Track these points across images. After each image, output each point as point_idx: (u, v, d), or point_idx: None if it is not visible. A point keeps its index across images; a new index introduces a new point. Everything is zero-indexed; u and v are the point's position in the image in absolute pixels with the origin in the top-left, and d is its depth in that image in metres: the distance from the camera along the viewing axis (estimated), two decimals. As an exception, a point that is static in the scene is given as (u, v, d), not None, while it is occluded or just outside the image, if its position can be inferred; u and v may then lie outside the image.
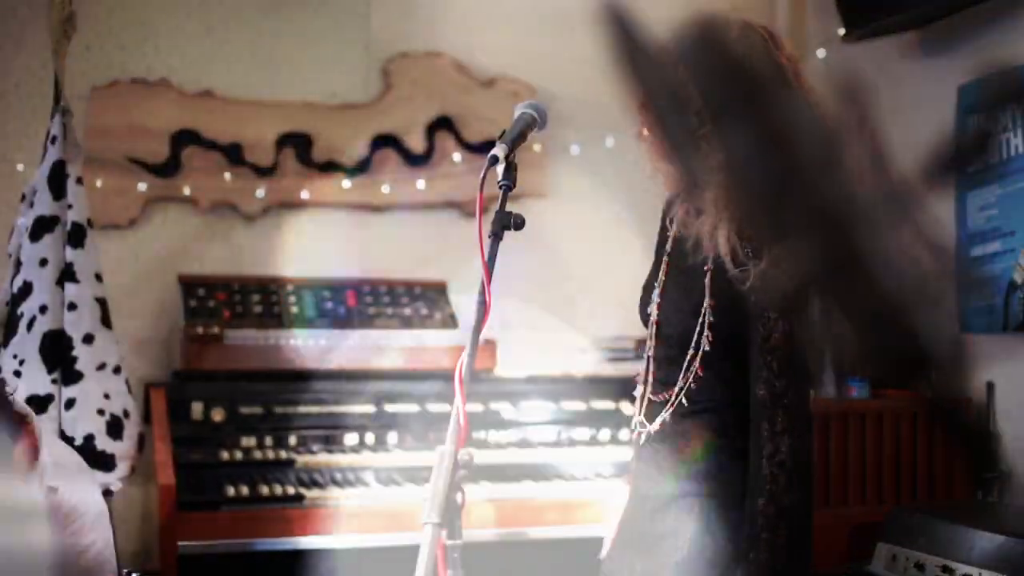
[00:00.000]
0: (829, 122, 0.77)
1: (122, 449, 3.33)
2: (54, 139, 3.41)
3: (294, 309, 3.84)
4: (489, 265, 2.05)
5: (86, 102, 3.91)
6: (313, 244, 4.18)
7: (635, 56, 0.80)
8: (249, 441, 3.52)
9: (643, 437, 2.19)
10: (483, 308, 2.00)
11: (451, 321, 3.97)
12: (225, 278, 3.92)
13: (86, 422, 3.27)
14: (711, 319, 2.10)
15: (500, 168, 2.11)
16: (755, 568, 2.02)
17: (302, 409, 3.63)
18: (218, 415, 3.54)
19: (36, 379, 3.21)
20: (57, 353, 3.28)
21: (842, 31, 3.99)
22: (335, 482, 3.46)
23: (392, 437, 3.67)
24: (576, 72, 4.31)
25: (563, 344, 4.18)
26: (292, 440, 3.58)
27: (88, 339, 3.32)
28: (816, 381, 3.73)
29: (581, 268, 4.33)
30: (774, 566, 2.04)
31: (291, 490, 3.32)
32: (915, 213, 0.76)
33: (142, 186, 3.96)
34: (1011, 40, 3.62)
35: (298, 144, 4.16)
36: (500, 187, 2.10)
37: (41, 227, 3.36)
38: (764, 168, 0.73)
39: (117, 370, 3.39)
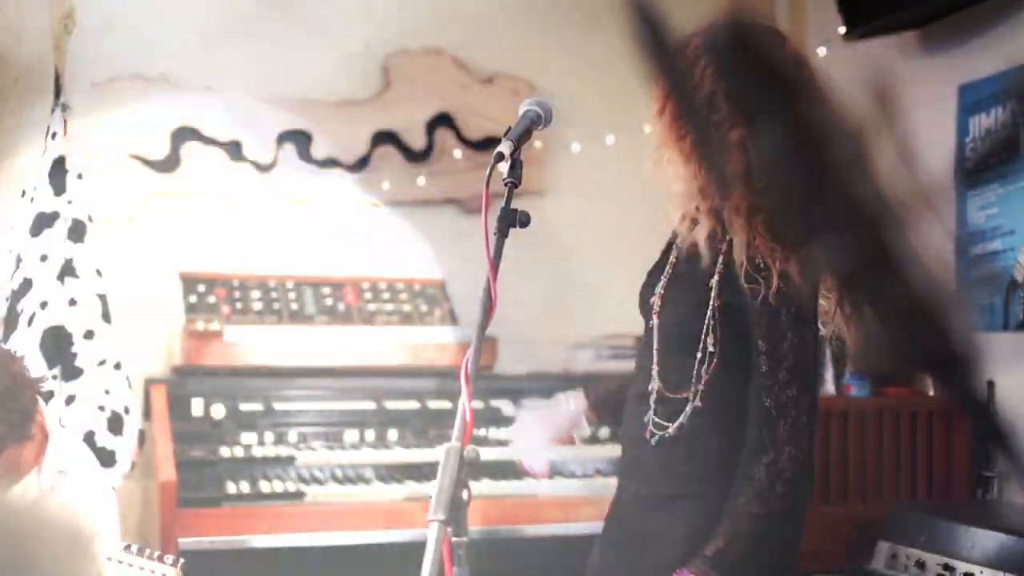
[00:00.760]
0: (854, 120, 0.77)
1: (122, 445, 3.33)
2: (54, 135, 3.41)
3: (294, 306, 3.84)
4: (495, 262, 2.06)
5: (86, 98, 3.89)
6: (313, 241, 4.17)
7: (662, 56, 0.80)
8: (249, 438, 3.52)
9: (655, 438, 2.18)
10: (488, 305, 2.00)
11: (451, 318, 3.97)
12: (225, 275, 3.91)
13: (86, 418, 3.27)
14: (716, 324, 2.11)
15: (505, 165, 2.12)
16: (731, 560, 2.02)
17: (302, 406, 3.63)
18: (218, 411, 3.53)
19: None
20: (57, 349, 3.28)
21: (843, 30, 3.99)
22: (336, 479, 3.46)
23: (392, 434, 3.67)
24: (576, 69, 4.33)
25: (563, 341, 4.18)
26: (292, 437, 3.57)
27: (89, 335, 3.32)
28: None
29: (581, 265, 4.33)
30: (758, 563, 2.05)
31: (292, 487, 3.32)
32: (941, 212, 0.76)
33: (142, 182, 3.95)
34: (1012, 39, 3.62)
35: (298, 141, 4.16)
36: (505, 184, 2.10)
37: (41, 223, 3.35)
38: (796, 168, 0.73)
39: (118, 366, 3.39)
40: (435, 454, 3.59)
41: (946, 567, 3.02)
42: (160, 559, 2.03)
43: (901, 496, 3.63)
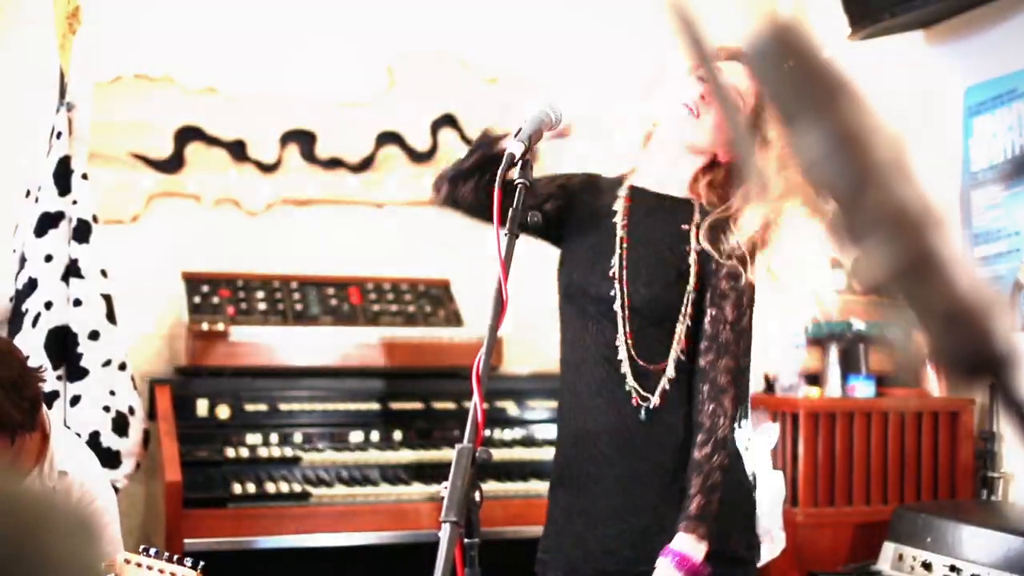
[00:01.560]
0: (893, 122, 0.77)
1: (127, 446, 3.32)
2: (59, 134, 3.40)
3: (298, 306, 3.83)
4: (506, 263, 2.05)
5: (90, 97, 3.88)
6: (317, 241, 4.17)
7: (705, 57, 0.80)
8: (255, 438, 3.51)
9: (644, 412, 2.23)
10: (500, 306, 2.00)
11: (455, 318, 3.97)
12: (229, 275, 3.91)
13: (92, 419, 3.26)
14: (692, 300, 2.23)
15: (516, 166, 2.12)
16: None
17: (307, 406, 3.63)
18: (223, 412, 3.53)
19: (42, 376, 3.19)
20: (62, 349, 3.27)
21: (848, 30, 3.99)
22: (341, 480, 3.45)
23: (397, 435, 3.66)
24: (580, 69, 4.32)
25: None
26: (298, 437, 3.57)
27: (94, 335, 3.31)
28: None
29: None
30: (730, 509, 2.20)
31: (297, 488, 3.32)
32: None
33: (146, 182, 3.95)
34: (1019, 40, 3.62)
35: (302, 141, 4.15)
36: (516, 185, 2.10)
37: (46, 223, 3.35)
38: (841, 170, 0.73)
39: (123, 367, 3.38)
40: (440, 455, 3.61)
41: (952, 568, 3.02)
42: (180, 562, 2.03)
43: (905, 497, 3.63)
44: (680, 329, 2.24)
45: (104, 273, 3.40)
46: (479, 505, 1.87)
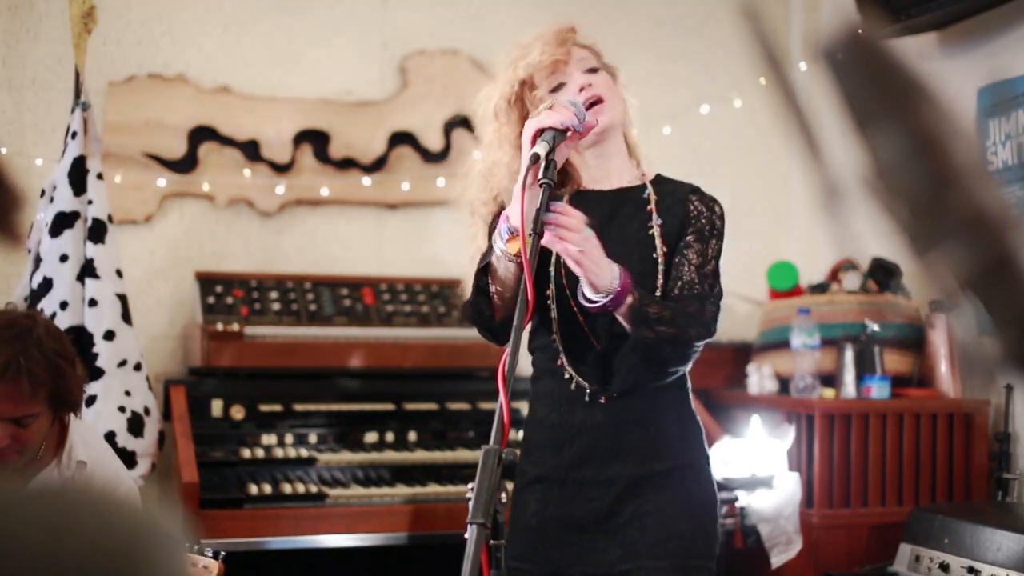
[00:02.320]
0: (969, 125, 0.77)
1: (143, 446, 3.32)
2: (74, 134, 3.39)
3: (312, 306, 3.83)
4: (532, 263, 2.05)
5: (103, 97, 3.88)
6: (331, 241, 4.17)
7: (775, 61, 0.80)
8: (270, 439, 3.51)
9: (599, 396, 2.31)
10: (525, 306, 2.00)
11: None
12: (242, 275, 3.90)
13: (107, 419, 3.26)
14: (663, 268, 2.29)
15: (540, 166, 2.11)
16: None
17: (322, 407, 3.62)
18: (238, 412, 3.52)
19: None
20: (78, 350, 3.25)
21: (860, 32, 3.99)
22: (356, 480, 3.45)
23: (412, 435, 3.66)
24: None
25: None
26: (312, 438, 3.56)
27: (109, 336, 3.31)
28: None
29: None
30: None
31: (313, 488, 3.31)
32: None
33: (160, 182, 3.94)
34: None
35: (315, 141, 4.14)
36: (540, 185, 2.10)
37: (61, 223, 3.34)
38: (919, 173, 0.72)
39: (138, 367, 3.38)
40: (455, 455, 3.60)
41: (971, 570, 3.02)
42: (201, 552, 2.03)
43: (920, 498, 3.63)
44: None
45: (119, 273, 3.39)
46: (505, 506, 1.87)
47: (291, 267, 4.05)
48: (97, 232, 3.37)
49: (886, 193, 0.73)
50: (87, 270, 3.34)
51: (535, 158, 2.12)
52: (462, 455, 3.60)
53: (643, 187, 2.38)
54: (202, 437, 3.40)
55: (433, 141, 4.25)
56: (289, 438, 3.53)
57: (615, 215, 2.35)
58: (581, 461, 2.31)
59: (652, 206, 2.34)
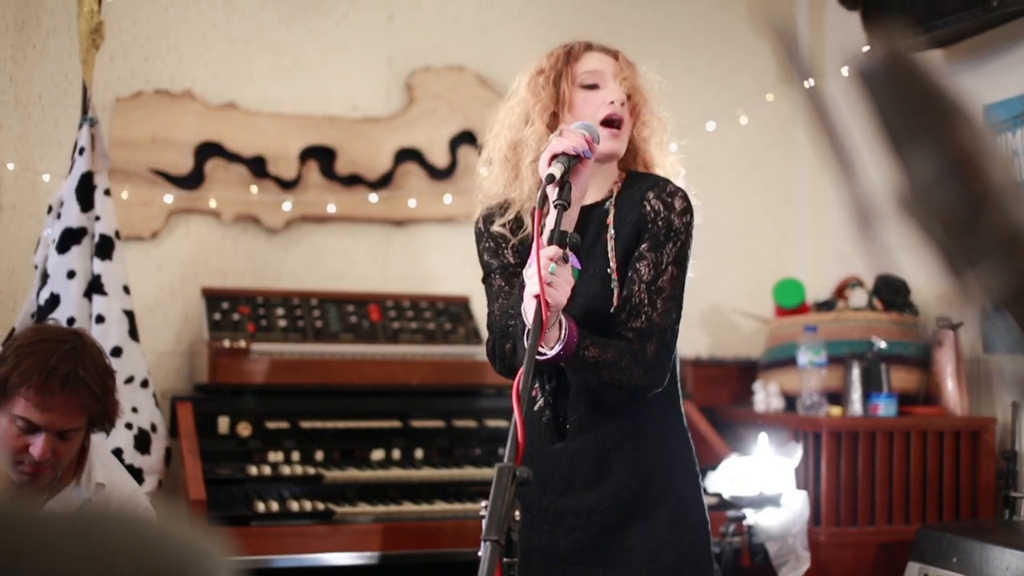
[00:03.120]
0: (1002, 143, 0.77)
1: (150, 463, 3.31)
2: (82, 150, 3.40)
3: (318, 323, 3.82)
4: (547, 283, 2.04)
5: (110, 113, 3.89)
6: (337, 257, 4.16)
7: (805, 73, 0.80)
8: (276, 456, 3.49)
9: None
10: (539, 326, 1.99)
11: (475, 336, 3.95)
12: (249, 291, 3.90)
13: (114, 436, 3.23)
14: (617, 284, 2.24)
15: (554, 187, 2.11)
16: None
17: (328, 424, 3.61)
18: (245, 429, 3.51)
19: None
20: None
21: (866, 48, 4.00)
22: (363, 498, 3.43)
23: (419, 452, 3.65)
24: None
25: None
26: (319, 455, 3.55)
27: (116, 352, 3.30)
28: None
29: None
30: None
31: (320, 506, 3.30)
32: None
33: (166, 198, 3.94)
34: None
35: (321, 157, 4.14)
36: (555, 206, 2.10)
37: (69, 239, 3.34)
38: (955, 193, 0.72)
39: (145, 383, 3.37)
40: (462, 473, 3.59)
41: (980, 588, 3.01)
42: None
43: (927, 517, 3.62)
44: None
45: (127, 289, 3.39)
46: (519, 524, 1.86)
47: (297, 284, 4.05)
48: (104, 248, 3.37)
49: (922, 213, 0.73)
50: (94, 286, 3.34)
51: (551, 178, 2.12)
52: (469, 472, 3.58)
53: (607, 199, 2.33)
54: (209, 454, 3.39)
55: (439, 158, 4.25)
56: (296, 455, 3.52)
57: (583, 235, 2.30)
58: (563, 489, 2.27)
59: (610, 218, 2.30)
